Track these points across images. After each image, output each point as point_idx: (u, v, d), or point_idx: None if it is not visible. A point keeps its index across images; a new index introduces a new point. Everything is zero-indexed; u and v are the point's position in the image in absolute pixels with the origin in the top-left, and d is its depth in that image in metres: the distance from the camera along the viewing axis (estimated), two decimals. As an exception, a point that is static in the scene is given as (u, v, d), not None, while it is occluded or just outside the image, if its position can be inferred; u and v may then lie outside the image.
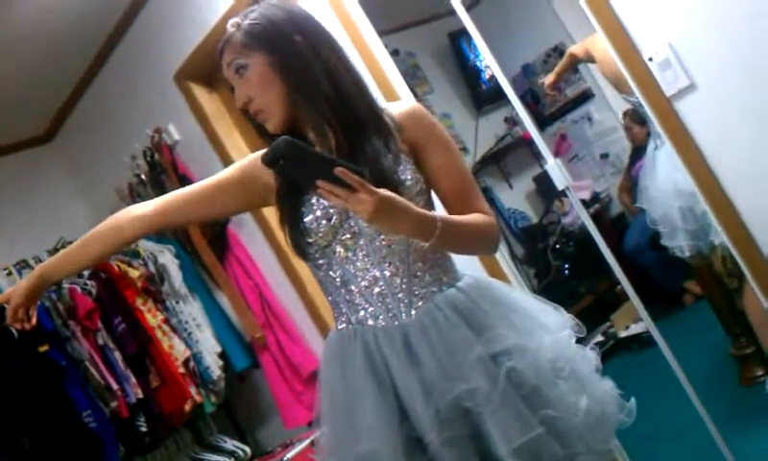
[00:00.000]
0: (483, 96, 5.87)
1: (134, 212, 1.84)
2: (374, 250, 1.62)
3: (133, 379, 3.54)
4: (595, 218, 5.11)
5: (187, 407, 3.64)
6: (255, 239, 3.85)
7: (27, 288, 1.85)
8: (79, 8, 3.50)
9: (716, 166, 2.36)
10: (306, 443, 3.51)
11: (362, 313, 1.64)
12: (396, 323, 1.61)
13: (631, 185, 5.38)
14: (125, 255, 3.85)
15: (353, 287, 1.64)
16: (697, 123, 2.35)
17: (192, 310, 3.89)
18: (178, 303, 3.85)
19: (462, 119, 5.99)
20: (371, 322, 1.63)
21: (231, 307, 3.92)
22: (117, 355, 3.55)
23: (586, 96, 6.06)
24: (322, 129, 1.63)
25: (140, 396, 3.53)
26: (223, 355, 3.89)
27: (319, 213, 1.61)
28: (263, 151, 1.67)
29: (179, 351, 3.71)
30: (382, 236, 1.61)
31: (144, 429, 3.58)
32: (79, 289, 3.55)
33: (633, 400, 1.65)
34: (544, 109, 6.29)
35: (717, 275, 3.37)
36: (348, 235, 1.62)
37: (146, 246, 3.89)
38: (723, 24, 2.25)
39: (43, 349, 3.34)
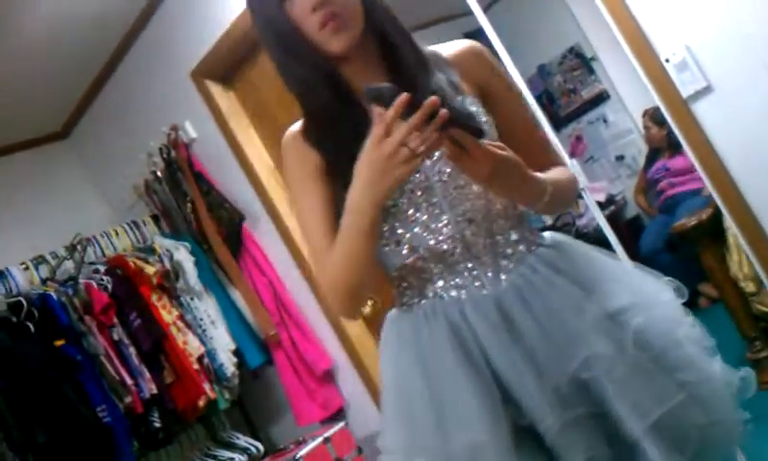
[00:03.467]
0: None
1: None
2: (450, 206, 1.36)
3: (148, 375, 3.56)
4: (611, 220, 5.11)
5: (201, 403, 3.65)
6: (270, 236, 3.86)
7: None
8: (96, 5, 3.53)
9: (733, 168, 2.36)
10: (319, 441, 3.52)
11: (440, 283, 1.38)
12: (485, 291, 1.36)
13: (647, 187, 5.37)
14: (141, 252, 3.87)
15: (426, 253, 1.37)
16: (714, 124, 2.35)
17: (207, 307, 3.90)
18: (192, 299, 3.87)
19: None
20: (453, 293, 1.37)
21: (246, 304, 3.93)
22: (132, 351, 3.57)
23: (601, 98, 6.06)
24: (376, 60, 1.40)
25: (154, 391, 3.54)
26: (237, 352, 3.90)
27: None
28: (290, 138, 1.45)
29: (193, 347, 3.72)
30: (458, 189, 1.36)
31: (158, 425, 3.59)
32: (95, 284, 3.57)
33: (749, 370, 1.43)
34: (560, 110, 6.29)
35: (733, 278, 3.35)
36: (419, 191, 1.35)
37: (162, 242, 3.91)
38: (740, 25, 2.24)
39: (59, 343, 3.36)
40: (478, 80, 1.44)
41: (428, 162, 1.34)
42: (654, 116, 4.88)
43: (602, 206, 5.57)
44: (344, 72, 1.38)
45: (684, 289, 1.42)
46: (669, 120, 2.43)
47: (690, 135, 2.38)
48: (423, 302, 1.40)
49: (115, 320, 3.57)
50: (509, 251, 1.38)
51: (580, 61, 6.10)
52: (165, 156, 3.99)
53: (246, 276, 3.90)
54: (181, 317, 3.78)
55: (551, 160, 1.50)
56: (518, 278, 1.36)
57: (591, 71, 6.08)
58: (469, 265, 1.37)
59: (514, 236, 1.40)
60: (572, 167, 3.00)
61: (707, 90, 2.33)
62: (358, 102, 1.36)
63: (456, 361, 1.31)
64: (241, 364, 3.92)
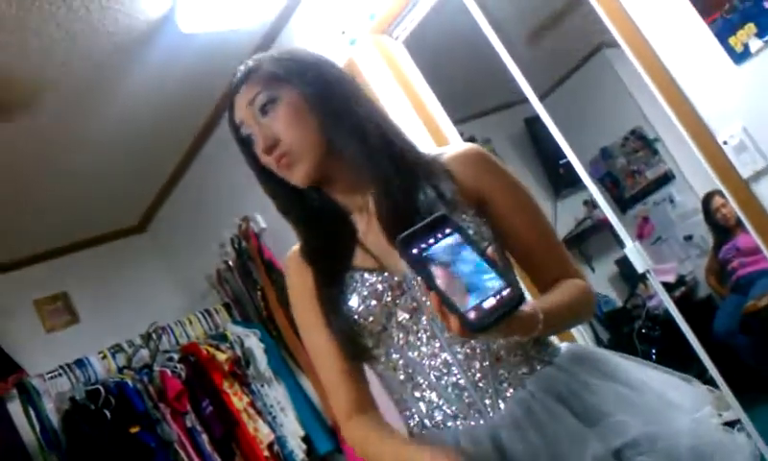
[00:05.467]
0: (561, 180, 5.90)
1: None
2: (441, 327, 1.26)
3: (220, 462, 3.60)
4: (682, 301, 5.02)
5: (272, 491, 3.66)
6: (337, 323, 3.90)
7: None
8: (171, 105, 3.73)
9: (799, 247, 2.33)
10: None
11: (436, 413, 1.29)
12: (482, 421, 1.25)
13: (718, 268, 5.27)
14: (213, 339, 3.96)
15: (421, 379, 1.29)
16: (776, 204, 2.34)
17: (276, 394, 3.94)
18: (263, 386, 3.91)
19: (540, 203, 6.00)
20: (449, 423, 1.28)
21: (315, 391, 3.96)
22: (204, 438, 3.61)
23: (666, 178, 6.04)
24: (360, 177, 1.34)
25: (226, 478, 3.58)
26: (306, 439, 3.91)
27: (365, 292, 1.29)
28: (291, 268, 1.45)
29: (263, 434, 3.75)
30: None
31: (229, 512, 3.61)
32: (169, 372, 3.66)
33: None
34: (625, 192, 6.29)
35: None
36: (406, 314, 1.28)
37: (233, 330, 4.00)
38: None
39: (134, 430, 3.44)
40: (475, 186, 1.35)
41: (416, 285, 1.28)
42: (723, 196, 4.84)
43: (672, 286, 5.49)
44: (331, 192, 1.39)
45: (726, 401, 1.27)
46: (731, 201, 2.42)
47: (753, 216, 2.37)
48: (424, 432, 1.31)
49: (188, 407, 3.64)
50: (508, 373, 1.27)
51: (642, 143, 6.12)
52: (236, 246, 4.12)
53: (314, 362, 3.94)
54: (252, 404, 3.82)
55: (565, 269, 1.39)
56: (517, 406, 1.24)
57: (655, 152, 6.08)
58: (465, 392, 1.27)
59: (514, 356, 1.28)
60: (636, 250, 3.00)
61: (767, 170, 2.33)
62: (343, 219, 1.38)
63: None
64: (310, 451, 3.93)
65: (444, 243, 1.04)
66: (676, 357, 5.13)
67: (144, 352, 3.92)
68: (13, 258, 4.28)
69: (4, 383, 3.64)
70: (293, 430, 3.88)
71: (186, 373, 3.70)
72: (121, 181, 4.27)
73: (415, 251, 1.03)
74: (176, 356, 3.79)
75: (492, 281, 1.00)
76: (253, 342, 3.96)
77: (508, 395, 1.25)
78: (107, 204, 4.44)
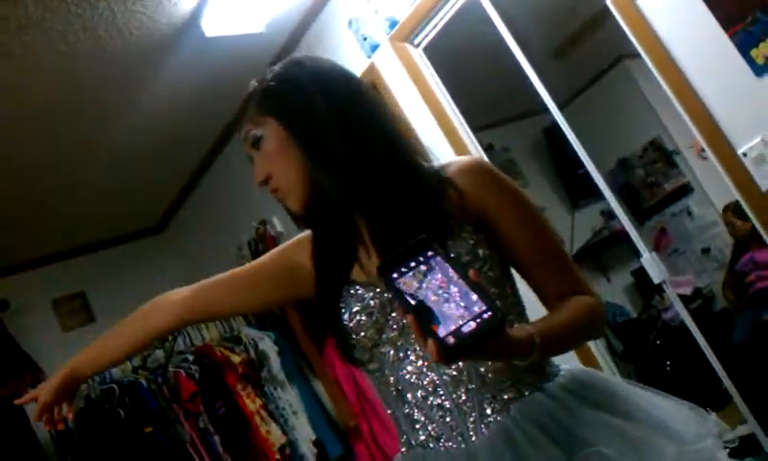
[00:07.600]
0: (579, 190, 5.89)
1: (167, 300, 1.67)
2: None
3: (231, 464, 3.61)
4: (698, 313, 4.98)
5: (283, 494, 3.67)
6: (352, 328, 3.91)
7: (56, 385, 1.69)
8: (192, 108, 3.76)
9: (819, 262, 2.32)
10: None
11: (421, 433, 1.27)
12: (464, 445, 1.22)
13: (735, 281, 5.23)
14: (227, 341, 3.98)
15: (410, 397, 1.27)
16: (797, 218, 2.33)
17: (289, 397, 3.95)
18: (275, 389, 3.93)
19: (557, 213, 6.01)
20: (431, 444, 1.26)
21: (327, 395, 3.98)
22: (217, 439, 3.63)
23: (685, 190, 6.01)
24: (343, 209, 1.33)
25: (237, 480, 3.58)
26: (317, 443, 3.92)
27: (357, 307, 1.29)
28: (307, 233, 1.48)
29: (275, 436, 3.76)
30: None
31: (241, 515, 3.62)
32: (183, 373, 3.67)
33: None
34: (643, 203, 6.26)
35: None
36: (396, 332, 1.27)
37: (248, 332, 4.02)
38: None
39: (148, 430, 3.46)
40: (478, 200, 1.30)
41: None
42: (735, 210, 4.80)
43: (689, 299, 5.45)
44: (334, 207, 1.36)
45: (726, 429, 1.24)
46: (749, 214, 2.41)
47: (772, 229, 2.37)
48: (411, 451, 1.30)
49: (201, 408, 3.65)
50: (494, 398, 1.23)
51: (661, 155, 6.10)
52: (253, 248, 4.14)
53: (328, 366, 3.96)
54: (265, 406, 3.83)
55: (573, 285, 1.32)
56: (497, 432, 1.20)
57: (674, 164, 6.06)
58: (449, 416, 1.24)
59: (502, 382, 1.23)
60: (652, 260, 2.99)
61: (787, 183, 2.32)
62: (347, 233, 1.36)
63: None
64: (321, 455, 3.93)
65: (426, 266, 1.01)
66: (690, 369, 5.12)
67: (159, 353, 3.94)
68: (33, 257, 4.32)
69: (21, 381, 3.68)
70: (305, 434, 3.89)
71: (200, 374, 3.72)
72: (140, 183, 4.30)
73: (395, 275, 1.00)
74: (190, 357, 3.81)
75: (474, 305, 0.96)
76: (267, 345, 3.97)
77: (491, 420, 1.21)
78: (126, 204, 4.47)
